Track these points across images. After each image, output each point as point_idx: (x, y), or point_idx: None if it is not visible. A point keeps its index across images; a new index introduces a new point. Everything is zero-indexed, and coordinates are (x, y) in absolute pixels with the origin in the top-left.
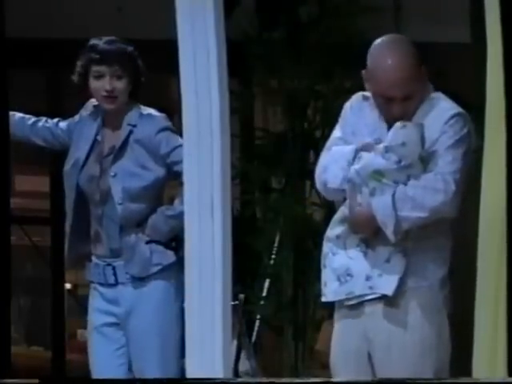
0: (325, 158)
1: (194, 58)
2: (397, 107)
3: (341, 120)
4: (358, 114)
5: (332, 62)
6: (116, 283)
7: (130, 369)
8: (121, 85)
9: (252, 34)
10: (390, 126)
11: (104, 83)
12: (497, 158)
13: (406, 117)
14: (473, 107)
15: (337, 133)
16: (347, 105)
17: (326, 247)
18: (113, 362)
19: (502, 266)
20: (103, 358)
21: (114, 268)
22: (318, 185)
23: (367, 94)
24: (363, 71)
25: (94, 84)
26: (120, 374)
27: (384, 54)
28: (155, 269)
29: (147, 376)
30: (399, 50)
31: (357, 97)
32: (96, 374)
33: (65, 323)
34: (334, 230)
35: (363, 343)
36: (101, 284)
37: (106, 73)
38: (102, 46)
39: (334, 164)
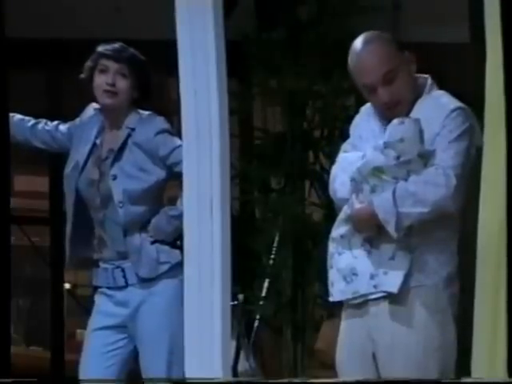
0: (334, 167)
1: (193, 58)
2: (382, 93)
3: (351, 127)
4: (365, 119)
5: (331, 62)
6: (126, 285)
7: (121, 370)
8: (123, 84)
9: (251, 34)
10: None
11: (107, 77)
12: (497, 157)
13: (398, 101)
14: (472, 107)
15: (348, 140)
16: (358, 113)
17: (332, 247)
18: (102, 364)
19: (502, 266)
20: (93, 358)
21: (123, 270)
22: (330, 192)
23: None
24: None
25: (97, 78)
26: (108, 375)
27: (354, 46)
28: (164, 268)
29: (155, 375)
30: (367, 39)
31: (366, 105)
32: (83, 373)
33: (64, 323)
34: (338, 229)
35: (368, 343)
36: (110, 287)
37: (111, 67)
38: (115, 45)
39: (341, 173)
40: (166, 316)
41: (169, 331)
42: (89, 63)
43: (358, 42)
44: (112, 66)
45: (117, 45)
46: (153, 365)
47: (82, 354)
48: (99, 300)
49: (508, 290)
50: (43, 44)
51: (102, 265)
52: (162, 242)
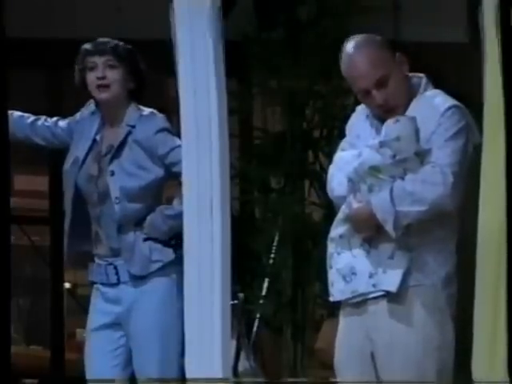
0: (331, 166)
1: (193, 58)
2: (376, 96)
3: (347, 126)
4: (362, 119)
5: (331, 61)
6: (118, 282)
7: (125, 369)
8: (113, 74)
9: (251, 34)
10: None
11: (96, 72)
12: (496, 157)
13: (392, 103)
14: (472, 107)
15: (345, 138)
16: (355, 112)
17: (331, 247)
18: (107, 363)
19: (502, 265)
20: (98, 358)
21: (115, 267)
22: (327, 191)
23: None
24: None
25: (89, 76)
26: (114, 374)
27: (346, 51)
28: (156, 266)
29: (148, 374)
30: (358, 43)
31: (362, 104)
32: (89, 374)
33: (64, 323)
34: (337, 229)
35: (366, 343)
36: (103, 284)
37: (98, 62)
38: (97, 40)
39: (338, 172)
40: (158, 315)
41: (160, 330)
42: (77, 66)
43: (350, 47)
44: (98, 60)
45: (99, 40)
46: (145, 363)
47: (86, 355)
48: (95, 299)
49: (508, 289)
50: (43, 44)
51: (96, 260)
52: (156, 240)
